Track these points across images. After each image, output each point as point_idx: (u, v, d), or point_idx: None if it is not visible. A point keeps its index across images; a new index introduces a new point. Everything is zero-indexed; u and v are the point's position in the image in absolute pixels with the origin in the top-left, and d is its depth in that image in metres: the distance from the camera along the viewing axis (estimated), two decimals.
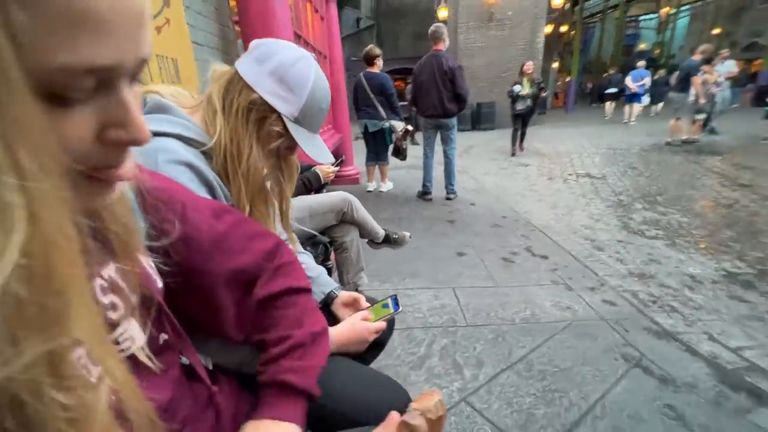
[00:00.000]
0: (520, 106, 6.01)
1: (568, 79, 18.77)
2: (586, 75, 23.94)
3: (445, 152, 3.94)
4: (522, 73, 5.96)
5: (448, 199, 4.11)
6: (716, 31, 18.96)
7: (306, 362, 0.54)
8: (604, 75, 16.96)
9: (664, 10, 22.26)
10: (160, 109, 0.74)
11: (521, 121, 6.28)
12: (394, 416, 0.35)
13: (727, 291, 2.17)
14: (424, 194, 4.15)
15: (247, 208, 0.74)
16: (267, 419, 0.49)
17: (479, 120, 11.05)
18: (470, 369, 1.63)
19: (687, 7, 22.50)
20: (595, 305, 2.07)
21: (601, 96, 15.24)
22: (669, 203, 3.79)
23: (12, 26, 0.18)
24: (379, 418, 0.73)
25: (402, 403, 0.81)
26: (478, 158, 6.51)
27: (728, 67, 8.43)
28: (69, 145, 0.23)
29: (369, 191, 4.50)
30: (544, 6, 10.44)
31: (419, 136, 6.88)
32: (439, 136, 3.94)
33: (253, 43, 0.75)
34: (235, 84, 0.72)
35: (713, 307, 2.03)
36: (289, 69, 0.71)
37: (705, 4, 20.95)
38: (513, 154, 6.51)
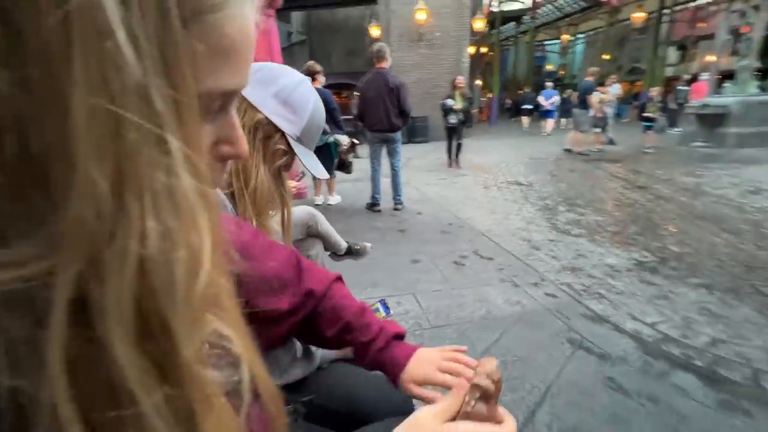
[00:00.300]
0: (452, 120, 6.28)
1: (489, 96, 20.48)
2: (505, 92, 26.28)
3: (391, 165, 4.09)
4: (454, 87, 6.34)
5: (395, 209, 4.25)
6: (606, 56, 22.11)
7: (385, 320, 0.67)
8: (519, 92, 18.84)
9: (565, 37, 25.51)
10: None
11: (455, 134, 6.66)
12: (463, 381, 0.41)
13: (639, 277, 2.56)
14: (373, 206, 4.25)
15: (254, 224, 0.76)
16: (405, 358, 0.62)
17: (414, 133, 11.55)
18: None
19: (582, 35, 26.04)
20: (539, 298, 2.31)
21: (518, 111, 16.91)
22: (586, 205, 4.34)
23: (195, 56, 0.23)
24: (389, 413, 0.79)
25: (403, 398, 0.87)
26: (418, 170, 6.81)
27: (616, 89, 9.96)
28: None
29: (317, 205, 4.49)
30: (467, 29, 11.37)
31: (362, 150, 6.99)
32: (384, 150, 4.09)
33: (254, 66, 0.78)
34: (239, 104, 0.74)
35: (631, 291, 2.38)
36: (292, 92, 0.75)
37: (596, 33, 24.40)
38: (450, 166, 6.92)
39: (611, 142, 8.79)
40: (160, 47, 0.19)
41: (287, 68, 0.79)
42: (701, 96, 9.14)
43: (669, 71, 20.10)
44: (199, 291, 0.23)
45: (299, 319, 0.63)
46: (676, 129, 10.85)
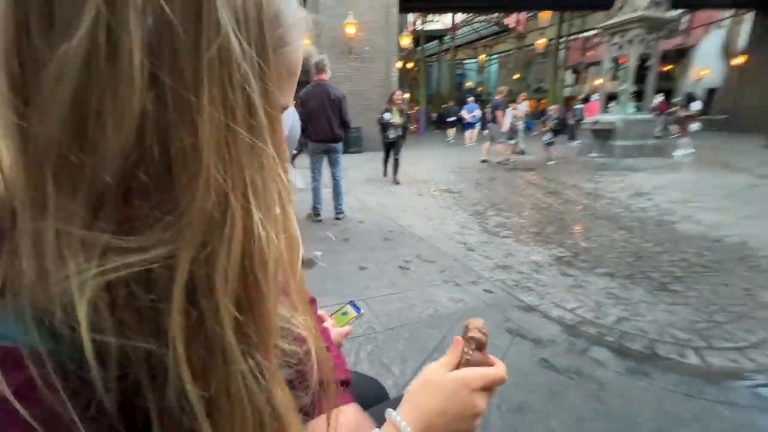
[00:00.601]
0: (391, 135, 6.12)
1: (417, 108, 21.52)
2: (430, 105, 27.83)
3: (333, 174, 4.13)
4: (392, 102, 6.17)
5: (337, 219, 4.28)
6: (516, 76, 24.65)
7: (338, 358, 0.64)
8: (444, 106, 20.10)
9: (481, 57, 27.88)
10: None
11: (393, 149, 6.47)
12: (457, 338, 0.48)
13: (558, 270, 2.93)
14: (315, 216, 4.24)
15: None
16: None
17: (348, 144, 11.68)
18: (397, 366, 1.82)
19: (495, 56, 28.69)
20: (478, 295, 2.53)
21: (443, 123, 18.03)
22: (509, 209, 4.81)
23: (280, 78, 0.29)
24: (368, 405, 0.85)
25: (381, 392, 0.94)
26: (356, 180, 6.92)
27: (524, 106, 11.18)
28: None
29: None
30: (395, 45, 11.88)
31: (298, 160, 6.86)
32: (325, 160, 4.12)
33: None
34: None
35: (553, 283, 2.72)
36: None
37: (507, 55, 27.08)
38: (385, 175, 7.13)
39: (522, 152, 9.85)
40: (262, 73, 0.26)
41: None
42: (593, 114, 10.64)
43: (567, 91, 23.01)
44: (295, 270, 0.30)
45: None
46: (575, 142, 12.45)
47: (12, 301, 0.22)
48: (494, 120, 8.60)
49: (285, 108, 0.33)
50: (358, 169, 8.14)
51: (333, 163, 4.09)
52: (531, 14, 22.11)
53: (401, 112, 6.19)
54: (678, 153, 9.08)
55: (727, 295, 2.49)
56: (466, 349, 0.47)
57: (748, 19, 17.78)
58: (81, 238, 0.22)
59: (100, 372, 0.22)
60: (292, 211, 0.30)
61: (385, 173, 7.07)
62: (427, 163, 9.27)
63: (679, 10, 16.11)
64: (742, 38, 18.13)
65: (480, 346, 0.47)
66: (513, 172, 7.80)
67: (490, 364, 0.47)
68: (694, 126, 8.88)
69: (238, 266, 0.25)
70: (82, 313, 0.21)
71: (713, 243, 3.44)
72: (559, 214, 4.55)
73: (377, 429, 0.43)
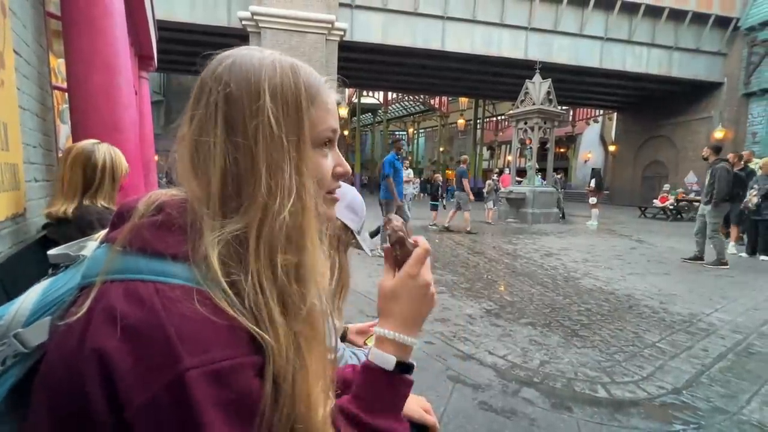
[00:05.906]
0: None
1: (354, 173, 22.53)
2: (365, 170, 29.28)
3: None
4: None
5: None
6: (441, 149, 27.41)
7: None
8: (378, 172, 21.33)
9: (410, 130, 30.66)
10: None
11: None
12: (386, 249, 0.56)
13: (489, 321, 3.22)
14: None
15: None
16: None
17: None
18: None
19: (422, 130, 31.81)
20: (420, 346, 2.67)
21: (378, 186, 19.01)
22: (443, 267, 5.18)
23: (313, 118, 0.47)
24: None
25: None
26: None
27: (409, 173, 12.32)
28: (325, 175, 0.49)
29: None
30: None
31: None
32: None
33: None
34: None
35: (485, 333, 2.98)
36: (354, 200, 0.96)
37: (433, 130, 30.19)
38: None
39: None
40: (296, 120, 0.45)
41: (348, 186, 0.98)
42: (507, 185, 12.18)
43: (485, 164, 26.00)
44: (312, 226, 0.46)
45: None
46: (495, 208, 13.89)
47: (190, 262, 0.40)
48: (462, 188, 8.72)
49: (327, 136, 0.49)
50: None
51: None
52: (452, 99, 25.44)
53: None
54: (590, 223, 10.52)
55: (622, 338, 2.95)
56: (396, 254, 0.55)
57: (615, 117, 22.47)
58: (211, 224, 0.41)
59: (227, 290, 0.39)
60: (307, 197, 0.45)
61: None
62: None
63: (565, 107, 19.79)
64: (614, 131, 22.69)
65: (401, 242, 0.55)
66: (441, 233, 8.42)
67: (415, 246, 0.56)
68: (593, 199, 10.52)
69: (279, 228, 0.43)
70: (214, 259, 0.39)
71: (608, 295, 4.07)
72: (485, 271, 5.01)
73: (371, 345, 0.55)
